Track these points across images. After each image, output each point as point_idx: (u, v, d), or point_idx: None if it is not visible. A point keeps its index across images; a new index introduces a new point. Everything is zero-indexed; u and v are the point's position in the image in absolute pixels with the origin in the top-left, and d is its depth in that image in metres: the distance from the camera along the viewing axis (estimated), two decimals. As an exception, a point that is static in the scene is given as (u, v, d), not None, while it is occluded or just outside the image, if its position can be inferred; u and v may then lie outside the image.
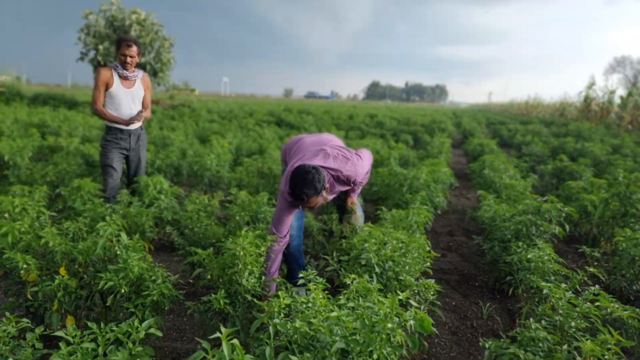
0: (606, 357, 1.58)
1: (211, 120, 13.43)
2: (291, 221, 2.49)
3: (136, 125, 3.70)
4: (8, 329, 1.37)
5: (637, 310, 1.95)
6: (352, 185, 2.72)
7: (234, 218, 2.90)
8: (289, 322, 1.30)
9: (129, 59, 3.52)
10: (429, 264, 2.30)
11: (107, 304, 1.89)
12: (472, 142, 9.26)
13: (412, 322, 1.38)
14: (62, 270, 1.95)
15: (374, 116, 17.95)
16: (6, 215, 2.32)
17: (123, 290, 1.84)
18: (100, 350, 1.24)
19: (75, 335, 1.25)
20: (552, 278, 2.28)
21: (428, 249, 2.36)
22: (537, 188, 5.87)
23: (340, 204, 3.08)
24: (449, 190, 6.24)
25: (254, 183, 4.47)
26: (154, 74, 20.31)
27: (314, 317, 1.31)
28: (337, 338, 1.24)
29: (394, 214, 3.05)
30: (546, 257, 2.41)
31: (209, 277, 2.03)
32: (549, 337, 1.73)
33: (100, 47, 18.89)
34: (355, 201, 2.95)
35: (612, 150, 8.38)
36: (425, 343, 2.22)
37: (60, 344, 1.23)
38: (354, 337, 1.24)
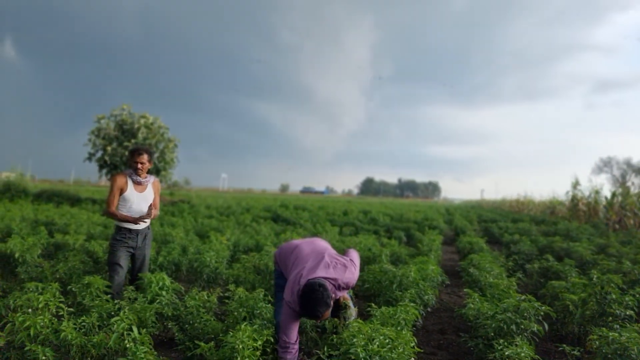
0: None
1: (209, 216, 13.83)
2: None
3: (144, 225, 4.02)
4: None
5: None
6: (348, 289, 2.99)
7: (232, 314, 3.09)
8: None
9: (140, 166, 3.95)
10: (413, 359, 2.47)
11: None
12: (462, 240, 9.58)
13: None
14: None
15: (367, 212, 18.46)
16: (29, 310, 2.53)
17: (131, 382, 2.01)
18: None
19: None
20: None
21: (413, 344, 2.55)
22: (525, 286, 6.05)
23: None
24: (441, 287, 6.39)
25: (250, 279, 4.67)
26: (156, 172, 21.24)
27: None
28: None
29: (383, 311, 3.24)
30: (523, 354, 2.59)
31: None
32: None
33: (109, 148, 20.02)
34: (347, 296, 3.18)
35: (598, 250, 8.66)
36: None
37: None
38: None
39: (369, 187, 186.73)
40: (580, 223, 17.40)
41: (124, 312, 2.43)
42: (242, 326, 2.19)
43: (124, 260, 3.88)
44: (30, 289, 3.08)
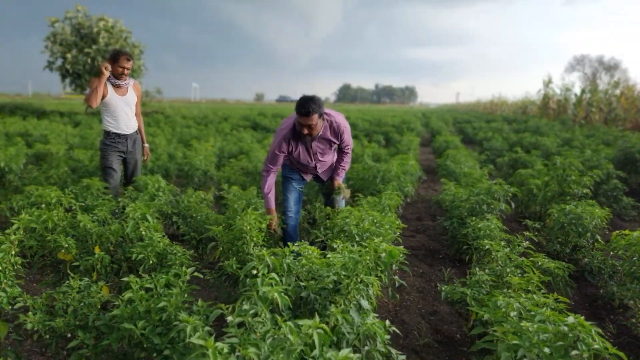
0: (529, 288, 2.11)
1: (187, 126, 13.69)
2: (290, 200, 3.07)
3: (132, 129, 4.07)
4: (74, 284, 1.78)
5: (563, 264, 2.51)
6: (339, 141, 3.16)
7: (231, 207, 3.33)
8: (297, 262, 1.77)
9: (125, 71, 3.85)
10: (398, 233, 2.80)
11: (139, 273, 2.30)
12: (438, 139, 9.96)
13: (384, 254, 1.88)
14: (97, 249, 2.34)
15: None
16: (42, 205, 2.68)
17: (151, 262, 2.26)
18: (158, 290, 1.66)
19: (135, 281, 1.68)
20: (497, 241, 2.83)
21: (398, 222, 2.86)
22: (495, 177, 6.53)
23: (325, 192, 3.55)
24: (418, 183, 6.83)
25: (241, 180, 4.89)
26: (125, 81, 20.31)
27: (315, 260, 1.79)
28: (331, 273, 1.72)
29: (369, 200, 3.54)
30: (493, 226, 2.96)
31: (220, 249, 2.46)
32: (489, 279, 2.26)
33: (68, 55, 18.79)
34: (342, 184, 3.38)
35: (563, 143, 9.20)
36: (397, 296, 2.72)
37: (131, 283, 1.65)
38: (343, 271, 1.73)
39: (346, 94, 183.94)
40: (549, 120, 18.06)
41: (135, 203, 2.62)
42: (249, 210, 2.41)
43: (116, 164, 3.92)
44: (31, 192, 3.19)
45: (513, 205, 3.71)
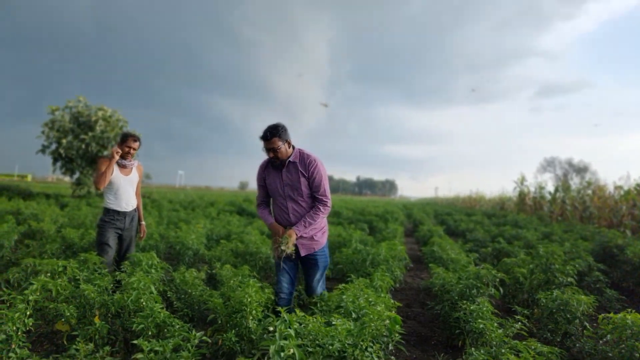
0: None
1: (174, 209, 13.77)
2: (283, 282, 3.06)
3: (132, 207, 4.20)
4: (81, 347, 1.78)
5: (556, 349, 2.57)
6: (308, 175, 3.13)
7: (227, 283, 3.35)
8: (303, 327, 1.82)
9: (132, 151, 4.11)
10: (394, 311, 2.85)
11: (135, 344, 2.28)
12: (422, 229, 10.22)
13: (387, 321, 1.94)
14: (97, 319, 2.34)
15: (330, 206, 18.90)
16: (48, 274, 2.68)
17: (150, 332, 2.25)
18: (167, 353, 1.68)
19: (145, 343, 1.70)
20: (491, 322, 2.89)
21: (392, 301, 2.93)
22: (481, 265, 6.66)
23: (306, 279, 3.43)
24: (405, 271, 6.90)
25: (231, 260, 4.92)
26: (116, 165, 20.63)
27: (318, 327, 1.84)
28: (336, 341, 1.78)
29: (360, 281, 3.62)
30: (485, 309, 3.04)
31: (219, 322, 2.47)
32: (485, 358, 2.30)
33: (64, 140, 19.26)
34: (293, 233, 3.07)
35: (542, 237, 9.53)
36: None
37: (142, 345, 1.67)
38: (348, 339, 1.78)
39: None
40: (527, 215, 18.72)
41: (138, 274, 2.65)
42: (251, 281, 2.48)
43: (112, 241, 4.01)
44: (28, 264, 3.20)
45: (502, 290, 3.81)
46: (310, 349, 1.78)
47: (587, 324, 3.40)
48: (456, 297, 3.65)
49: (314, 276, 3.30)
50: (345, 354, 1.76)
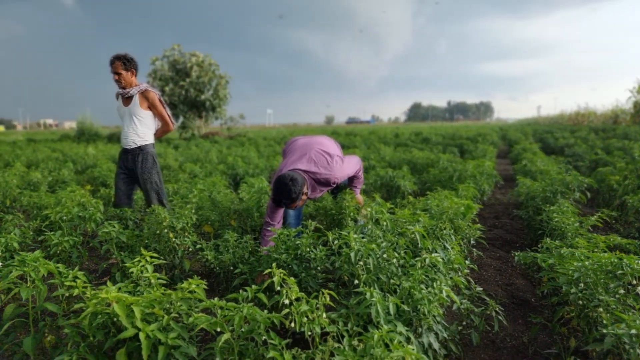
0: (595, 251, 2.43)
1: (269, 145, 14.86)
2: (290, 217, 3.15)
3: (130, 144, 3.59)
4: (230, 237, 2.46)
5: (636, 241, 2.75)
6: (332, 185, 3.03)
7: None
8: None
9: (116, 77, 3.48)
10: (475, 212, 3.20)
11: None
12: (516, 148, 9.95)
13: (462, 208, 2.34)
14: (233, 222, 3.06)
15: (419, 133, 18.80)
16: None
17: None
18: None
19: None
20: (567, 216, 3.10)
21: (475, 206, 3.27)
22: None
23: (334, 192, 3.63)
24: (495, 187, 7.02)
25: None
26: (212, 109, 22.37)
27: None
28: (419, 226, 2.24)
29: (445, 191, 3.97)
30: (564, 208, 3.26)
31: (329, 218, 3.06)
32: (558, 244, 2.61)
33: (167, 88, 21.24)
34: (361, 200, 3.33)
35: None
36: (476, 267, 3.11)
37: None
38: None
39: (416, 113, 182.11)
40: (642, 128, 16.83)
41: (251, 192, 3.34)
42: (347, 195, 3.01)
43: (120, 182, 3.62)
44: (188, 180, 4.06)
45: (589, 194, 3.91)
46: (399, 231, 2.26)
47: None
48: (540, 203, 3.86)
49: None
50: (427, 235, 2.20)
